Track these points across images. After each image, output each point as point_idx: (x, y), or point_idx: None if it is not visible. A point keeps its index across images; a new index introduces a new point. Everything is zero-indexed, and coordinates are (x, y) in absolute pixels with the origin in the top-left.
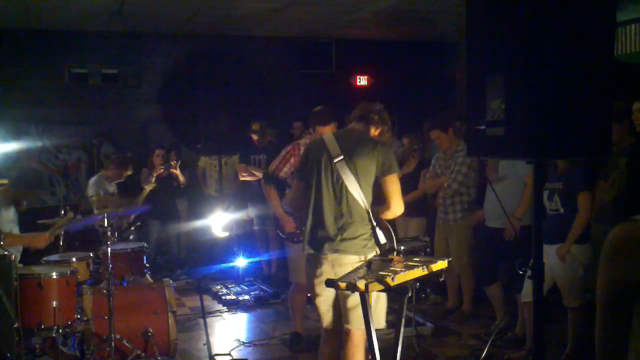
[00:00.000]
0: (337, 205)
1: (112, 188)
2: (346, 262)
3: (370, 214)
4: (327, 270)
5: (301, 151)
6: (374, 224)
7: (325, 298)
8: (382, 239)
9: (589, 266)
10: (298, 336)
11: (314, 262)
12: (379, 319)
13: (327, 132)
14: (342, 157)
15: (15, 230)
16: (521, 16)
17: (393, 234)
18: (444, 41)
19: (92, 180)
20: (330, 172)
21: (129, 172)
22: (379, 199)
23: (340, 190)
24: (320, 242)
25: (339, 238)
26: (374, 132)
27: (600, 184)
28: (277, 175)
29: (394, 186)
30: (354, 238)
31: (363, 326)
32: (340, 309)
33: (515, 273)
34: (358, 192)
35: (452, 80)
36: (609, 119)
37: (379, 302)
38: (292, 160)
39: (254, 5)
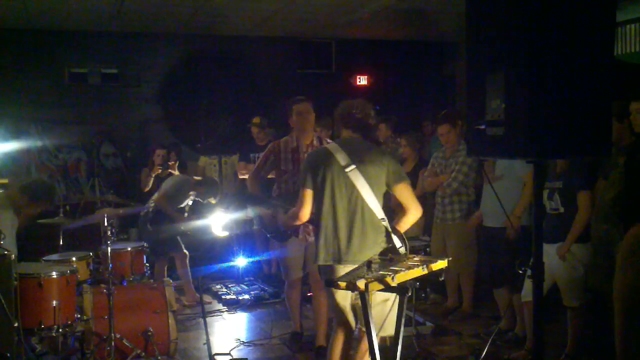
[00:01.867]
0: (352, 215)
1: (189, 198)
2: None
3: (386, 222)
4: None
5: (281, 147)
6: (389, 230)
7: (342, 305)
8: (398, 245)
9: (589, 265)
10: (298, 335)
11: (330, 273)
12: (391, 325)
13: (303, 109)
14: (354, 166)
15: (9, 234)
16: (521, 16)
17: (406, 240)
18: (444, 41)
19: (179, 178)
20: (343, 182)
21: (212, 202)
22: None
23: (355, 200)
24: (336, 252)
25: (355, 248)
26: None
27: (600, 184)
28: (259, 174)
29: (408, 192)
30: (371, 247)
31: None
32: (355, 312)
33: (515, 272)
34: (373, 201)
35: (452, 80)
36: (608, 118)
37: (393, 308)
38: (271, 157)
39: (253, 5)
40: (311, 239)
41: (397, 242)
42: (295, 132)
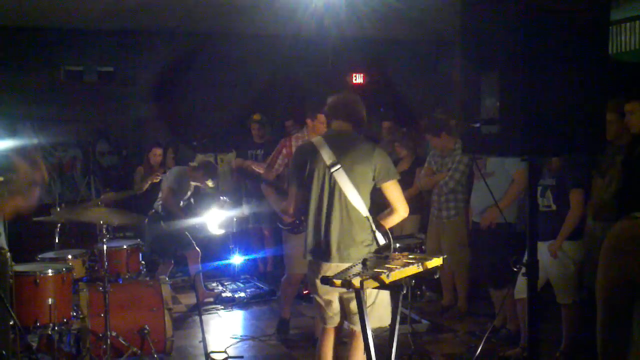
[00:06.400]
0: (337, 213)
1: (191, 188)
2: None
3: (370, 220)
4: None
5: (292, 143)
6: (374, 229)
7: (330, 301)
8: (382, 241)
9: (583, 263)
10: (285, 322)
11: (317, 270)
12: (382, 317)
13: (319, 122)
14: (339, 166)
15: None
16: (515, 14)
17: (390, 236)
18: (440, 39)
19: (178, 169)
20: (328, 181)
21: (210, 185)
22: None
23: (339, 199)
24: (322, 250)
25: (340, 246)
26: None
27: (597, 182)
28: (272, 168)
29: (395, 191)
30: (355, 245)
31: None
32: (344, 310)
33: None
34: (357, 200)
35: (448, 79)
36: (602, 117)
37: (382, 301)
38: (284, 151)
39: (250, 3)
40: None
41: (381, 239)
42: (308, 130)
